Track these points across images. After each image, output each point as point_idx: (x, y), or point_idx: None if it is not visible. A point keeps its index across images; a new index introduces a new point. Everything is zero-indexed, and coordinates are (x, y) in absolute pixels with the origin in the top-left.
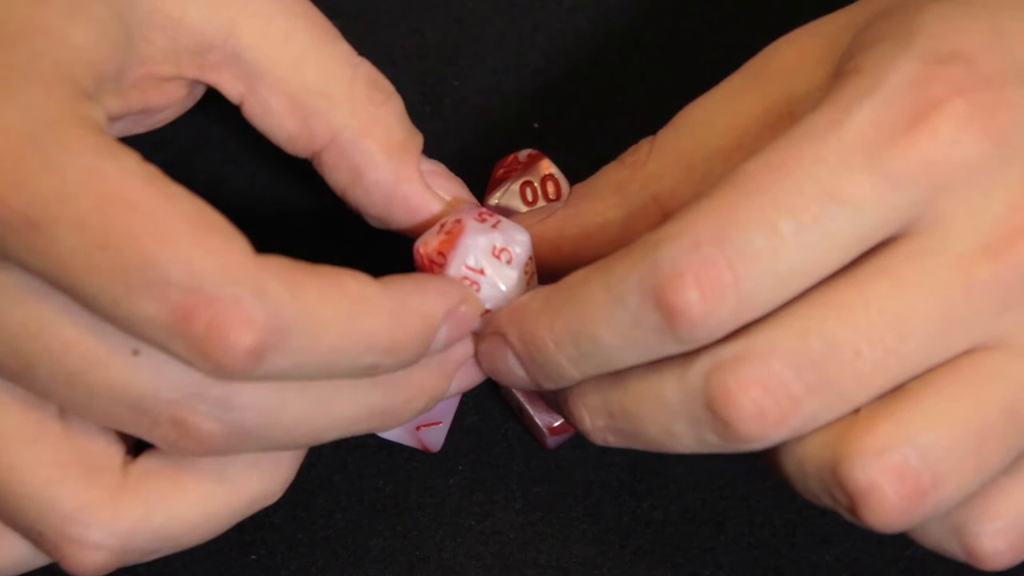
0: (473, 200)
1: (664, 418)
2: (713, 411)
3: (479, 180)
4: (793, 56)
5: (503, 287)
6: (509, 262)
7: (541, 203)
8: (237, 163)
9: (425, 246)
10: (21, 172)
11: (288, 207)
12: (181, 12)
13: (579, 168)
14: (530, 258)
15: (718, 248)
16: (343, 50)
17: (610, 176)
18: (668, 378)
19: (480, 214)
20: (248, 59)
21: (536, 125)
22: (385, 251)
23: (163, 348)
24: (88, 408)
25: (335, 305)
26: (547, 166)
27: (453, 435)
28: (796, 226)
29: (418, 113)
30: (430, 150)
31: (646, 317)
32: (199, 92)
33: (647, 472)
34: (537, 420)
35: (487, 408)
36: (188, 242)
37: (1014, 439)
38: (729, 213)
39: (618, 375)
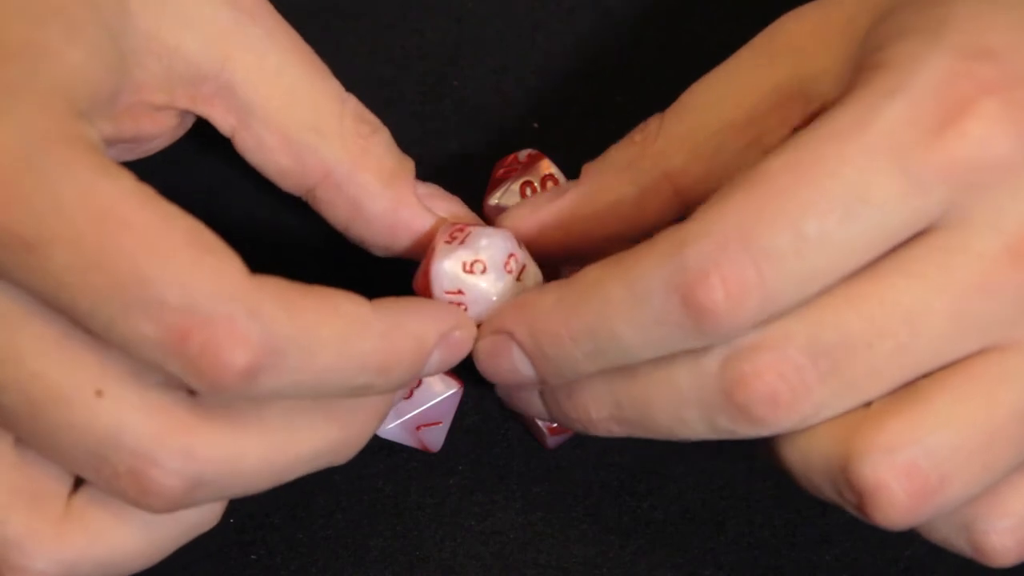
0: (472, 216)
1: (675, 405)
2: (727, 396)
3: (479, 180)
4: (804, 33)
5: (493, 297)
6: (484, 271)
7: None
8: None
9: (415, 281)
10: (15, 191)
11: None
12: (177, 41)
13: (579, 168)
14: (511, 255)
15: (744, 248)
16: (332, 86)
17: (620, 154)
18: (681, 365)
19: (451, 233)
20: (241, 93)
21: (536, 125)
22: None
23: (158, 367)
24: (48, 445)
25: (330, 326)
26: (547, 166)
27: (453, 435)
28: (821, 228)
29: (418, 113)
30: (430, 150)
31: (670, 315)
32: (188, 122)
33: (647, 472)
34: (537, 420)
35: (487, 408)
36: (183, 262)
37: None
38: (754, 213)
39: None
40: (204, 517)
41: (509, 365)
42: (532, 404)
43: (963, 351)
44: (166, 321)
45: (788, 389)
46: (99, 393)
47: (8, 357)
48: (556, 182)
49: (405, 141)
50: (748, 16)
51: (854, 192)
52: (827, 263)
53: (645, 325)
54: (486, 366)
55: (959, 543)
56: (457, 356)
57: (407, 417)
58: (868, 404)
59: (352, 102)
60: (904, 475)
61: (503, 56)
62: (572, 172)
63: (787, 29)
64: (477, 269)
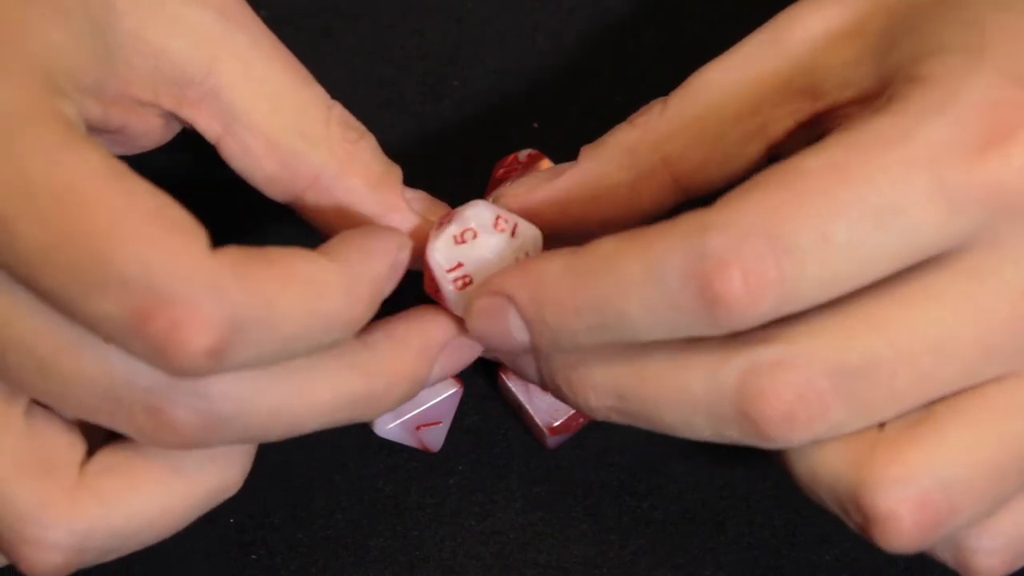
0: None
1: (685, 409)
2: (742, 409)
3: (479, 180)
4: (817, 27)
5: (488, 255)
6: (475, 237)
7: None
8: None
9: (424, 284)
10: None
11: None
12: (163, 43)
13: None
14: (497, 216)
15: (768, 243)
16: (318, 92)
17: (619, 137)
18: (696, 371)
19: (439, 222)
20: (226, 98)
21: (536, 125)
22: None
23: (123, 347)
24: (61, 397)
25: (291, 294)
26: (547, 166)
27: (453, 435)
28: (850, 235)
29: (418, 113)
30: (430, 150)
31: (683, 299)
32: (175, 128)
33: (647, 472)
34: (537, 420)
35: (487, 408)
36: (144, 241)
37: None
38: (784, 209)
39: (630, 354)
40: (222, 484)
41: (503, 327)
42: (527, 369)
43: (983, 378)
44: (128, 302)
45: (805, 409)
46: (108, 339)
47: (6, 320)
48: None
49: (405, 141)
50: (748, 16)
51: (890, 202)
52: (851, 270)
53: (656, 307)
54: (479, 325)
55: (945, 556)
56: (399, 276)
57: (407, 417)
58: (881, 424)
59: (338, 108)
60: (916, 506)
61: (503, 56)
62: None
63: (799, 20)
64: (468, 237)
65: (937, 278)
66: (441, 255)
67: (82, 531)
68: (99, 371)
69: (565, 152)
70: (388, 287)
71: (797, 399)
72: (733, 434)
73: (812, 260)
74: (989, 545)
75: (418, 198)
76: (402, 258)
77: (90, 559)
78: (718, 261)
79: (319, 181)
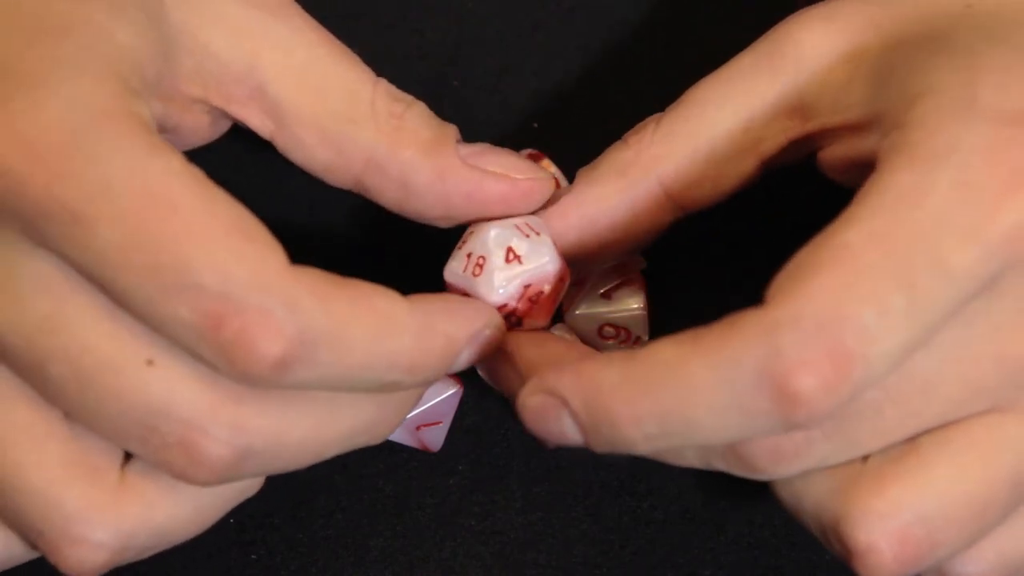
0: (525, 165)
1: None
2: (731, 447)
3: None
4: (809, 46)
5: (493, 297)
6: (538, 233)
7: None
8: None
9: (453, 275)
10: (67, 165)
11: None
12: (207, 39)
13: (579, 168)
14: (508, 248)
15: (839, 330)
16: (362, 72)
17: (614, 159)
18: None
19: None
20: (272, 93)
21: (536, 125)
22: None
23: (191, 351)
24: (96, 416)
25: (363, 323)
26: (547, 166)
27: (453, 435)
28: (910, 299)
29: None
30: None
31: (757, 402)
32: (222, 127)
33: (647, 472)
34: None
35: (487, 408)
36: (225, 248)
37: (1013, 504)
38: (844, 293)
39: None
40: (249, 484)
41: (558, 429)
42: (566, 434)
43: (967, 413)
44: (202, 306)
45: (792, 446)
46: (150, 363)
47: (55, 327)
48: (556, 182)
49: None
50: (749, 16)
51: (937, 259)
52: (915, 334)
53: (725, 411)
54: (533, 423)
55: (928, 573)
56: (486, 353)
57: (407, 417)
58: (865, 455)
59: (383, 84)
60: (897, 541)
61: (503, 56)
62: (572, 172)
63: (792, 38)
64: (529, 231)
65: None
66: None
67: (127, 531)
68: (138, 395)
69: (565, 152)
70: (465, 356)
71: (786, 438)
72: (720, 465)
73: (880, 335)
74: (973, 570)
75: (475, 152)
76: (487, 335)
77: (129, 558)
78: (796, 360)
79: (372, 161)
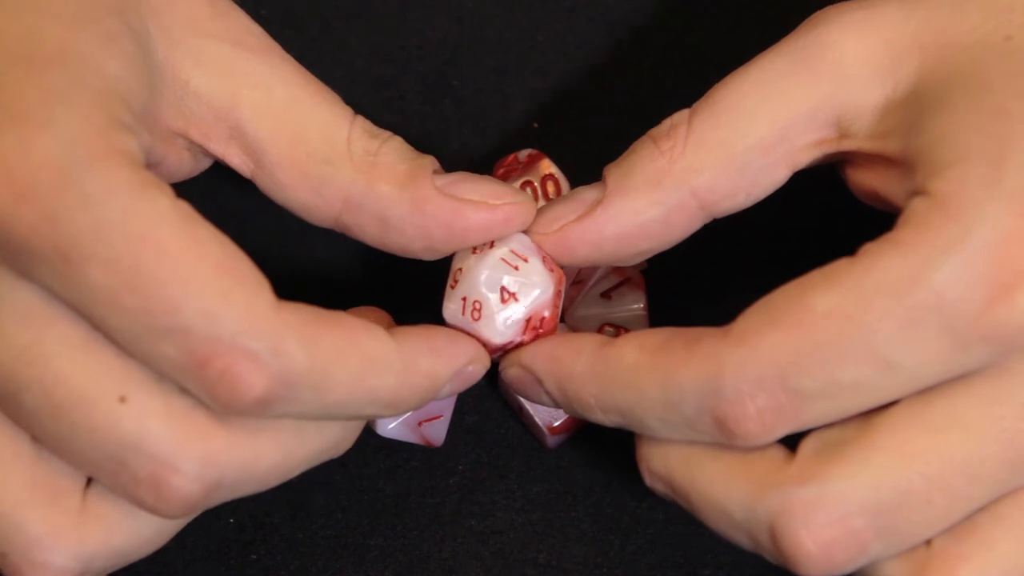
0: (504, 190)
1: (727, 525)
2: (779, 546)
3: None
4: (850, 57)
5: (498, 340)
6: (525, 260)
7: (541, 202)
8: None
9: (453, 318)
10: (57, 206)
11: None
12: (188, 76)
13: (579, 168)
14: (501, 288)
15: (780, 386)
16: (340, 111)
17: (646, 167)
18: (735, 498)
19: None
20: (251, 132)
21: (536, 125)
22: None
23: (176, 383)
24: (67, 447)
25: (347, 364)
26: (547, 166)
27: (453, 434)
28: (856, 379)
29: (418, 113)
30: (430, 150)
31: (699, 424)
32: (204, 163)
33: None
34: (537, 420)
35: (487, 408)
36: (212, 292)
37: None
38: (794, 356)
39: (686, 452)
40: None
41: (536, 396)
42: (546, 402)
43: (1014, 487)
44: (189, 347)
45: (844, 549)
46: (123, 399)
47: (33, 357)
48: (556, 182)
49: (405, 141)
50: (749, 16)
51: (896, 350)
52: (857, 405)
53: (675, 424)
54: (512, 387)
55: None
56: (467, 386)
57: (408, 415)
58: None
59: (360, 121)
60: None
61: (503, 56)
62: (572, 172)
63: (835, 44)
64: (472, 315)
65: (957, 402)
66: (452, 320)
67: (87, 555)
68: (110, 429)
69: (565, 152)
70: (447, 390)
71: (833, 540)
72: (770, 557)
73: (821, 400)
74: None
75: (452, 181)
76: (471, 371)
77: None
78: (733, 402)
79: (350, 200)
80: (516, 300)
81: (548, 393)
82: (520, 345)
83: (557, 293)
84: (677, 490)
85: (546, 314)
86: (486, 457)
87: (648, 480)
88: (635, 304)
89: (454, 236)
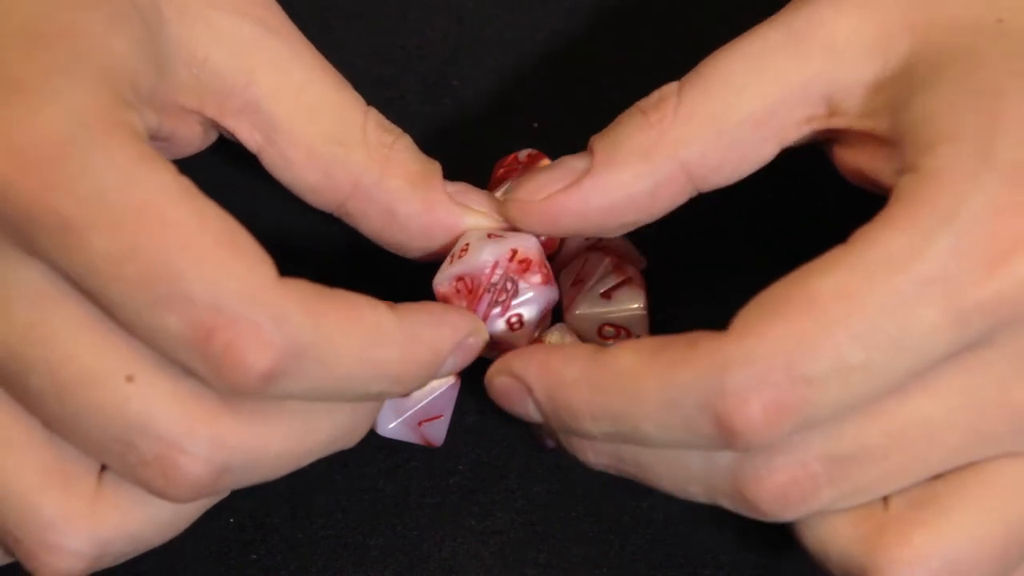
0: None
1: (682, 479)
2: (736, 489)
3: (479, 180)
4: (842, 34)
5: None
6: (527, 267)
7: None
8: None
9: (442, 285)
10: (60, 173)
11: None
12: (205, 53)
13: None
14: (490, 293)
15: (787, 376)
16: (353, 98)
17: (635, 139)
18: (693, 451)
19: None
20: (266, 108)
21: (536, 125)
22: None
23: (179, 361)
24: (74, 428)
25: (351, 335)
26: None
27: (453, 434)
28: (866, 358)
29: (418, 113)
30: (430, 150)
31: (700, 426)
32: (213, 136)
33: None
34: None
35: (487, 408)
36: (215, 262)
37: None
38: (801, 341)
39: None
40: None
41: (521, 409)
42: (529, 414)
43: (977, 458)
44: (192, 317)
45: (798, 491)
46: (130, 378)
47: (39, 337)
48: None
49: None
50: (750, 17)
51: (904, 325)
52: (868, 389)
53: (672, 428)
54: (498, 401)
55: None
56: (469, 359)
57: (408, 414)
58: (885, 499)
59: (373, 113)
60: None
61: (503, 56)
62: None
63: (828, 23)
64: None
65: (934, 374)
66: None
67: (103, 539)
68: (117, 408)
69: (565, 152)
70: (450, 364)
71: (790, 481)
72: (727, 504)
73: (832, 386)
74: None
75: (460, 190)
76: (472, 343)
77: (106, 563)
78: (739, 398)
79: (360, 186)
80: (523, 325)
81: (536, 402)
82: (508, 282)
83: (544, 254)
84: (625, 459)
85: (533, 258)
86: (486, 457)
87: (592, 458)
88: (635, 304)
89: (451, 242)
